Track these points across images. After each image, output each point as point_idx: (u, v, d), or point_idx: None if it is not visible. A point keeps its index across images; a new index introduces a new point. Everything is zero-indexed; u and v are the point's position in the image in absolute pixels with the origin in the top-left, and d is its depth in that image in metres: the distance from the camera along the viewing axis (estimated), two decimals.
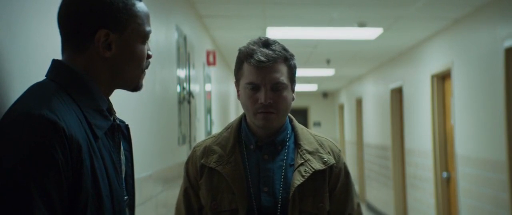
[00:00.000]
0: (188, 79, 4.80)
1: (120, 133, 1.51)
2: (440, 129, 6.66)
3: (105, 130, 1.42)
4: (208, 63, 6.35)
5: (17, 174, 1.22)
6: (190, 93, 4.90)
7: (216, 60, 6.64)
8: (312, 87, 14.62)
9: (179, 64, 4.36)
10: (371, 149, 10.86)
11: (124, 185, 1.49)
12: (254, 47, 1.96)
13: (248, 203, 1.96)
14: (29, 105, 1.28)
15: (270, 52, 1.94)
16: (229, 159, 2.00)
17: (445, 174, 6.54)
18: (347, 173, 2.08)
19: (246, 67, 1.97)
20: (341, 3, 5.31)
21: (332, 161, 2.03)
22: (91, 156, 1.33)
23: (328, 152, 2.05)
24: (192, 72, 5.09)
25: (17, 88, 1.48)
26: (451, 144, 6.39)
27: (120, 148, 1.50)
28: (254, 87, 1.95)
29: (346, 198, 2.06)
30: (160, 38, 3.60)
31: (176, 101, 4.24)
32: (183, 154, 4.49)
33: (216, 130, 6.82)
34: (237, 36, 6.85)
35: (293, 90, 2.03)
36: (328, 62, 9.22)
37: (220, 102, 8.07)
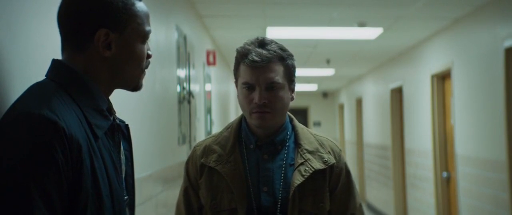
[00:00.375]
0: (188, 79, 4.80)
1: (120, 132, 1.51)
2: (440, 129, 6.66)
3: (105, 129, 1.42)
4: (208, 63, 6.35)
5: (17, 173, 1.21)
6: (190, 93, 4.90)
7: (216, 60, 6.63)
8: (312, 87, 14.62)
9: (179, 64, 4.36)
10: (371, 148, 10.85)
11: (124, 184, 1.49)
12: (250, 47, 1.96)
13: (247, 203, 1.96)
14: (29, 105, 1.27)
15: (265, 52, 1.94)
16: (228, 158, 2.00)
17: (445, 174, 6.54)
18: (348, 173, 2.07)
19: (242, 67, 1.98)
20: (341, 3, 5.31)
21: (332, 160, 2.03)
22: (91, 155, 1.33)
23: (329, 151, 2.05)
24: (192, 72, 5.09)
25: (17, 88, 1.48)
26: (451, 143, 6.39)
27: (120, 147, 1.50)
28: (249, 87, 1.95)
29: (347, 198, 2.06)
30: (160, 38, 3.60)
31: (176, 101, 4.24)
32: (183, 153, 4.49)
33: (216, 129, 6.82)
34: (237, 36, 6.84)
35: (292, 90, 2.02)
36: (328, 62, 9.22)
37: (220, 102, 8.07)
